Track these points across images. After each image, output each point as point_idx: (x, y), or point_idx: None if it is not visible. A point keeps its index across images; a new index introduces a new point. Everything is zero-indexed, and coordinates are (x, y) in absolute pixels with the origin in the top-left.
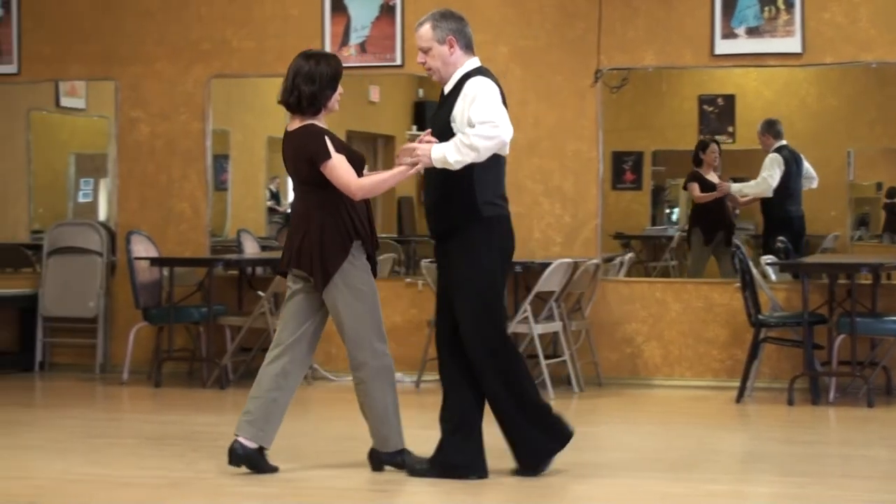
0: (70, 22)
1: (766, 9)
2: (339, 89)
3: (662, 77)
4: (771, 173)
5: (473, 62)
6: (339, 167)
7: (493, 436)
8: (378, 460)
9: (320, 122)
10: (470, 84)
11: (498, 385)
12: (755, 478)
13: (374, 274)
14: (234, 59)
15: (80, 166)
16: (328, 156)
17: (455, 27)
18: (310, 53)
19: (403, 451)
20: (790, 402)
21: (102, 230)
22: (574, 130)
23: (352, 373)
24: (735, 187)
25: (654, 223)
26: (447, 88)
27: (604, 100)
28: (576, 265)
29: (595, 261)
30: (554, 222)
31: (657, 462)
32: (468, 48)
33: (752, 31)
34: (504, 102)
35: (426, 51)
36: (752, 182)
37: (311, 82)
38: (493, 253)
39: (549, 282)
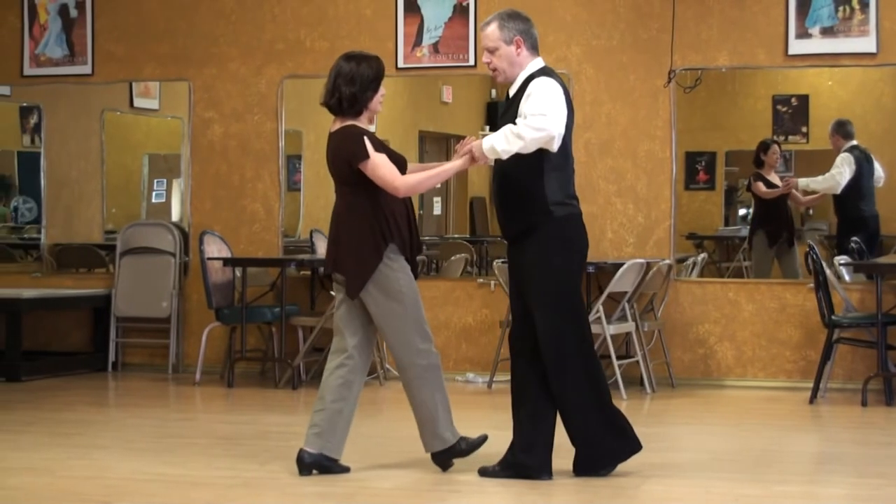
0: (143, 23)
1: (841, 8)
2: (382, 90)
3: (736, 77)
4: (841, 171)
5: (538, 63)
6: (380, 166)
7: (558, 436)
8: (442, 458)
9: (362, 123)
10: (533, 84)
11: (575, 387)
12: (829, 479)
13: (416, 276)
14: (307, 60)
15: (154, 167)
16: (366, 156)
17: (522, 27)
18: (351, 55)
19: (460, 440)
20: (864, 403)
21: (175, 230)
22: (647, 130)
23: (399, 374)
24: (803, 181)
25: (727, 223)
26: (512, 90)
27: (677, 100)
28: (648, 265)
29: (668, 261)
30: (627, 222)
31: (730, 463)
32: (534, 49)
33: (827, 31)
34: (570, 103)
35: (492, 51)
36: (821, 177)
37: (351, 84)
38: (567, 253)
39: (621, 282)
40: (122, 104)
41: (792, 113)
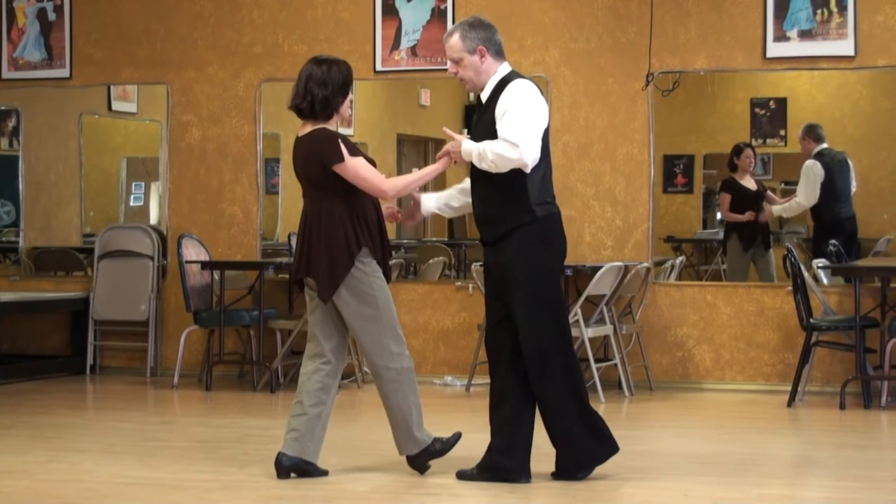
0: (122, 26)
1: (819, 11)
2: (350, 95)
3: (714, 80)
4: (804, 191)
5: (505, 68)
6: (362, 168)
7: (536, 438)
8: (418, 461)
9: (331, 127)
10: (508, 91)
11: (557, 387)
12: (807, 482)
13: (388, 279)
14: (285, 63)
15: (132, 170)
16: (341, 158)
17: (484, 36)
18: (321, 59)
19: (434, 441)
20: (842, 407)
21: (154, 234)
22: (625, 134)
23: (374, 378)
24: (776, 209)
25: (704, 227)
26: (484, 96)
27: (655, 103)
28: (626, 268)
29: (646, 264)
30: (605, 225)
31: (708, 466)
32: (499, 55)
33: (805, 34)
34: (548, 111)
35: (457, 62)
36: (789, 204)
37: (323, 87)
38: (548, 252)
39: (599, 285)
40: (101, 107)
41: (770, 116)
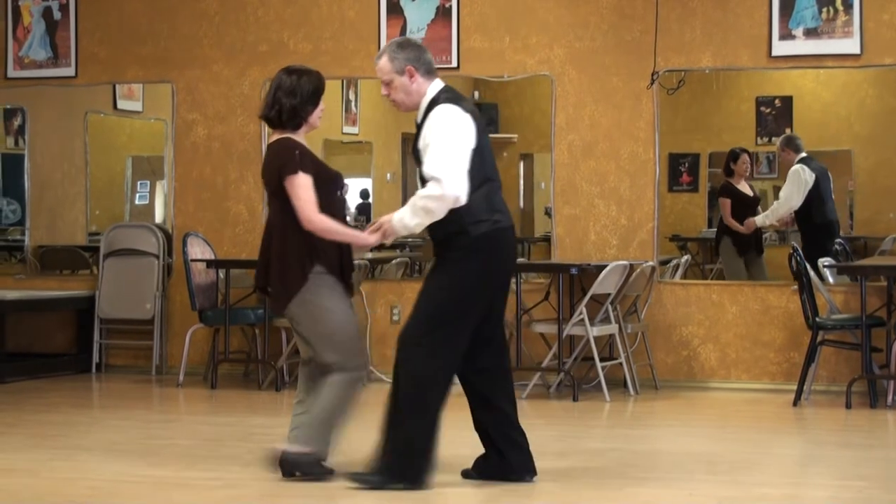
0: (127, 25)
1: (825, 9)
2: (321, 105)
3: (719, 78)
4: (788, 193)
5: (436, 86)
6: (302, 189)
7: (541, 438)
8: (293, 464)
9: (299, 137)
10: (429, 121)
11: (404, 388)
12: (812, 481)
13: (350, 293)
14: (290, 62)
15: (137, 169)
16: (294, 171)
17: (412, 55)
18: (292, 69)
19: (323, 463)
20: (848, 406)
21: (159, 232)
22: (630, 132)
23: (322, 373)
24: (759, 220)
25: (710, 225)
26: (419, 117)
27: (660, 101)
28: (632, 267)
29: (651, 263)
30: (610, 224)
31: (713, 465)
32: (429, 73)
33: (810, 33)
34: (477, 122)
35: (388, 83)
36: (770, 210)
37: (292, 96)
38: (472, 274)
39: (604, 284)
40: (106, 106)
41: (776, 114)
